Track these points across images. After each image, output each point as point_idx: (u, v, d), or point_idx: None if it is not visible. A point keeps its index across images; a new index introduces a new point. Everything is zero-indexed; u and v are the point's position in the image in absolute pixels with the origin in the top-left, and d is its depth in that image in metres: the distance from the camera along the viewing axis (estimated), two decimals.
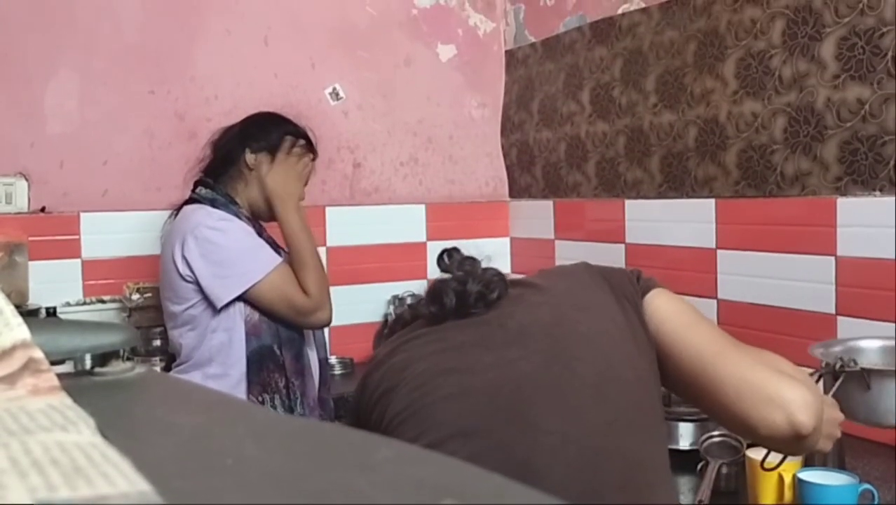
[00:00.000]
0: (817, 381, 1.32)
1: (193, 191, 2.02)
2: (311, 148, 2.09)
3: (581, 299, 1.09)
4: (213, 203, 1.95)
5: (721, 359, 1.03)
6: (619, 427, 0.98)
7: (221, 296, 1.86)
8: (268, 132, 2.03)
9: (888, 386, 1.29)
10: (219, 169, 2.03)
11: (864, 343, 1.48)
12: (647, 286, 1.14)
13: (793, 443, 1.00)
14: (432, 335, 1.09)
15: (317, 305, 1.94)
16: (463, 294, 1.09)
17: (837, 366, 1.30)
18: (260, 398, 1.90)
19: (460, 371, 1.02)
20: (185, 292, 1.89)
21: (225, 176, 2.02)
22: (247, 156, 2.00)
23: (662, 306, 1.11)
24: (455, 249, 1.19)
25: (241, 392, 1.90)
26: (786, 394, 0.98)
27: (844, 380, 1.29)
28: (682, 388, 1.10)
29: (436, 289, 1.11)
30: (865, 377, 1.29)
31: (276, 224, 2.03)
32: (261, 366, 1.91)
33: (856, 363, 1.30)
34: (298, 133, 2.06)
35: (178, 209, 2.00)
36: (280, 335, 1.93)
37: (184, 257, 1.85)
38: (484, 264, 1.14)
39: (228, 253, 1.88)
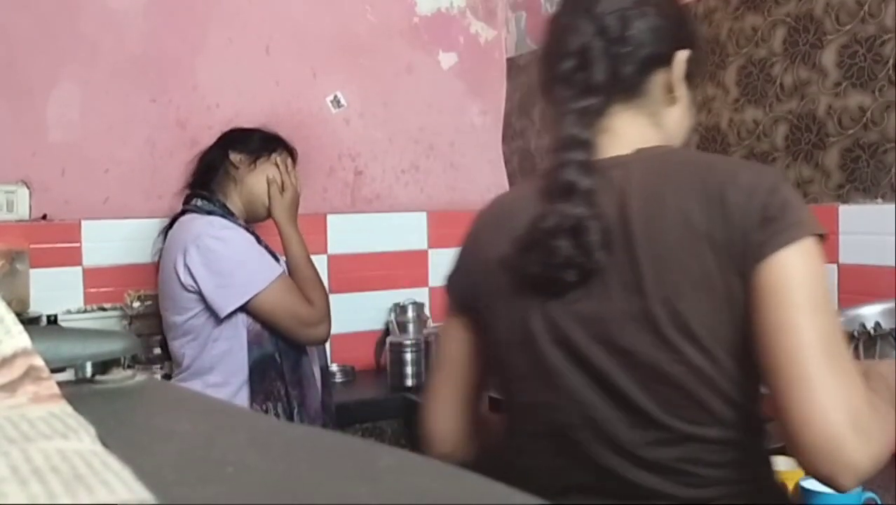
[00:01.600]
0: (854, 349, 1.28)
1: (187, 203, 2.02)
2: (288, 149, 2.11)
3: (675, 293, 0.95)
4: (211, 214, 1.95)
5: (803, 386, 0.88)
6: None
7: (224, 306, 1.86)
8: (246, 135, 2.08)
9: None
10: (206, 177, 2.05)
11: (864, 310, 1.43)
12: (766, 247, 0.91)
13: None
14: (530, 301, 1.04)
15: (320, 316, 1.95)
16: (552, 269, 1.00)
17: (873, 332, 1.28)
18: (263, 407, 1.90)
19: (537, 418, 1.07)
20: (187, 302, 1.89)
21: (213, 184, 2.04)
22: (231, 156, 2.03)
23: (777, 283, 0.91)
24: (587, 165, 1.00)
25: (241, 400, 1.89)
26: (845, 458, 0.88)
27: (868, 346, 1.27)
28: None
29: (533, 237, 1.01)
30: (893, 339, 1.27)
31: (265, 228, 2.06)
32: (263, 375, 1.91)
33: (881, 326, 1.29)
34: (275, 138, 2.09)
35: (173, 221, 2.01)
36: (279, 344, 1.93)
37: (186, 266, 1.85)
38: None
39: (231, 262, 1.88)
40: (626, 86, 1.05)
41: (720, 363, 0.95)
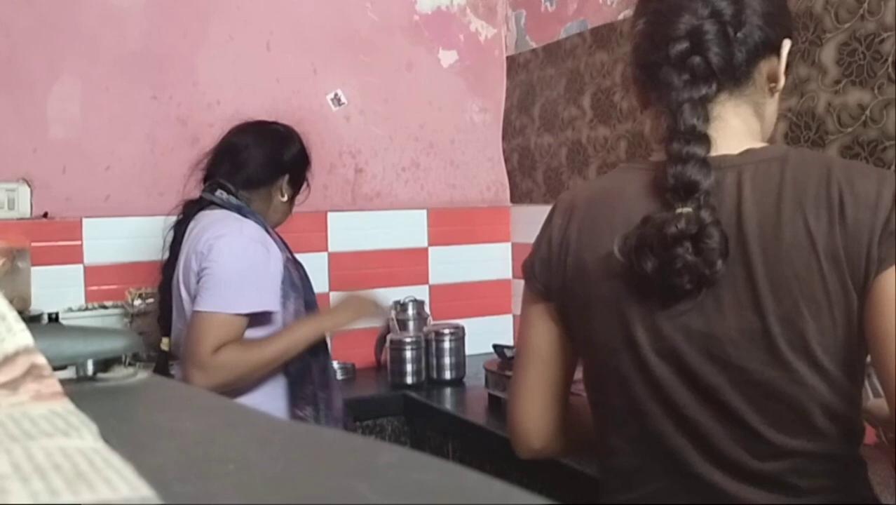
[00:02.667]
0: None
1: (213, 192, 1.89)
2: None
3: (795, 311, 0.93)
4: (241, 211, 1.85)
5: None
6: None
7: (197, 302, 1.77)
8: (301, 170, 2.01)
9: None
10: (244, 178, 1.92)
11: None
12: (885, 259, 0.90)
13: None
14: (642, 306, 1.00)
15: (206, 369, 1.72)
16: (669, 276, 0.95)
17: None
18: (302, 412, 1.84)
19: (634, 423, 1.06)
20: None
21: (251, 191, 1.92)
22: (283, 185, 1.95)
23: (888, 293, 0.91)
24: (703, 163, 0.95)
25: (280, 404, 1.85)
26: None
27: None
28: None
29: (648, 240, 0.95)
30: None
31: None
32: (302, 379, 1.86)
33: None
34: (307, 159, 2.03)
35: (188, 211, 1.90)
36: (309, 347, 1.85)
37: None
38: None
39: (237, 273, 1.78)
40: (737, 73, 1.01)
41: (832, 379, 0.95)
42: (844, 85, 1.82)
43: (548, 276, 1.12)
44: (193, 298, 1.78)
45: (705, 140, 0.97)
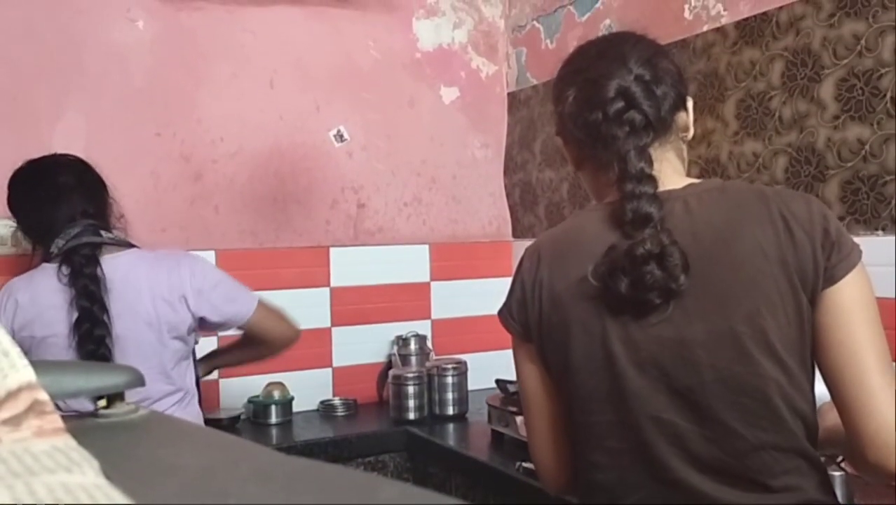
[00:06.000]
0: None
1: (96, 234, 1.87)
2: None
3: (756, 312, 1.06)
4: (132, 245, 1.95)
5: (865, 390, 1.05)
6: None
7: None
8: None
9: None
10: (98, 212, 1.95)
11: None
12: (834, 273, 1.07)
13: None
14: (612, 320, 1.12)
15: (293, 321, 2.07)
16: (641, 292, 1.07)
17: None
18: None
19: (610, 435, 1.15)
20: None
21: (106, 217, 1.96)
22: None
23: (843, 305, 1.07)
24: (651, 198, 1.11)
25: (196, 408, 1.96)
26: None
27: None
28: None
29: (618, 264, 1.09)
30: None
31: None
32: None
33: None
34: None
35: (88, 259, 1.81)
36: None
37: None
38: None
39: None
40: (664, 124, 1.17)
41: (790, 373, 1.07)
42: (844, 120, 1.83)
43: (525, 314, 1.24)
44: (218, 326, 1.95)
45: (652, 179, 1.12)
